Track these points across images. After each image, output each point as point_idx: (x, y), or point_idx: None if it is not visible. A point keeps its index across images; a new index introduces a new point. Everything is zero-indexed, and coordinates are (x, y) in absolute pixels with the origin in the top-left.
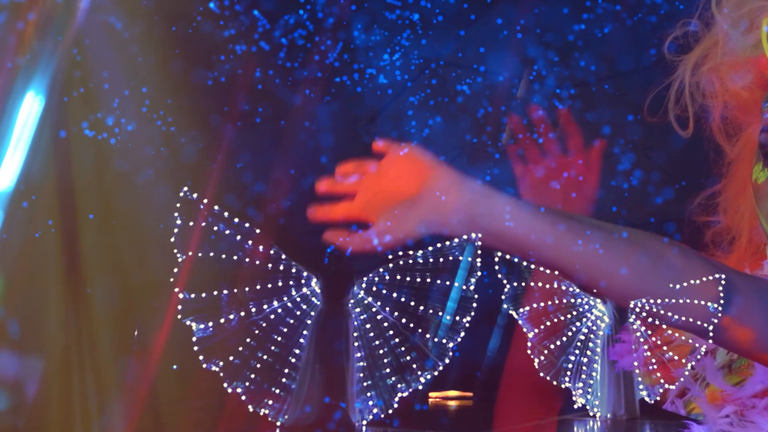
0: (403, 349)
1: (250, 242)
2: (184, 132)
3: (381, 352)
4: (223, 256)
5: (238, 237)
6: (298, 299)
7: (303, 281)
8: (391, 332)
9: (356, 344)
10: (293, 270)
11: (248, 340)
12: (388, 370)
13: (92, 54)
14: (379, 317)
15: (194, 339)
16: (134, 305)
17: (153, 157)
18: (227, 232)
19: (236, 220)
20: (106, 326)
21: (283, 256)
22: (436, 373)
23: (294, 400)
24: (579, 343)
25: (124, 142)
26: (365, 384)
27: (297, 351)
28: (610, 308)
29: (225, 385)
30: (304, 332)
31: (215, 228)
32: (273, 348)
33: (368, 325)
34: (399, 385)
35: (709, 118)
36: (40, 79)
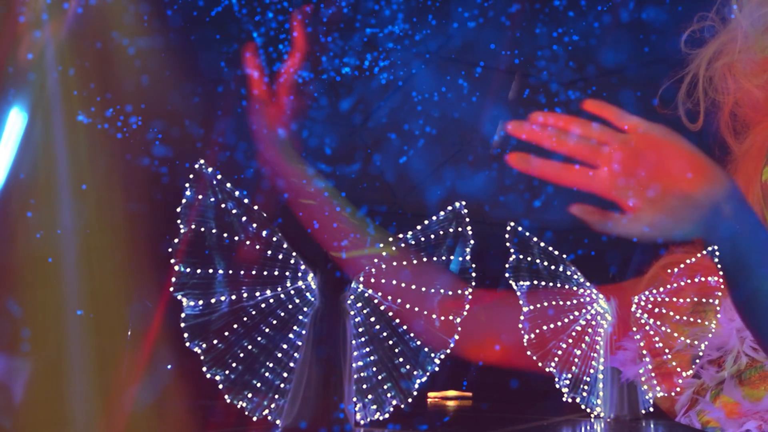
0: (411, 335)
1: (254, 225)
2: (189, 130)
3: (390, 342)
4: (225, 234)
5: (244, 218)
6: (292, 292)
7: (300, 274)
8: (397, 320)
9: (362, 339)
10: (291, 261)
11: (235, 326)
12: (401, 359)
13: (85, 53)
14: (382, 308)
15: (183, 320)
16: (128, 305)
17: (154, 155)
18: (234, 211)
19: (246, 201)
20: (100, 325)
21: (285, 245)
22: (436, 365)
23: (290, 402)
24: (574, 333)
25: (126, 139)
26: (379, 378)
27: (285, 346)
28: (613, 306)
29: (204, 369)
30: (295, 328)
31: (223, 206)
32: (259, 339)
33: (372, 318)
34: (415, 372)
35: (718, 114)
36: (31, 82)
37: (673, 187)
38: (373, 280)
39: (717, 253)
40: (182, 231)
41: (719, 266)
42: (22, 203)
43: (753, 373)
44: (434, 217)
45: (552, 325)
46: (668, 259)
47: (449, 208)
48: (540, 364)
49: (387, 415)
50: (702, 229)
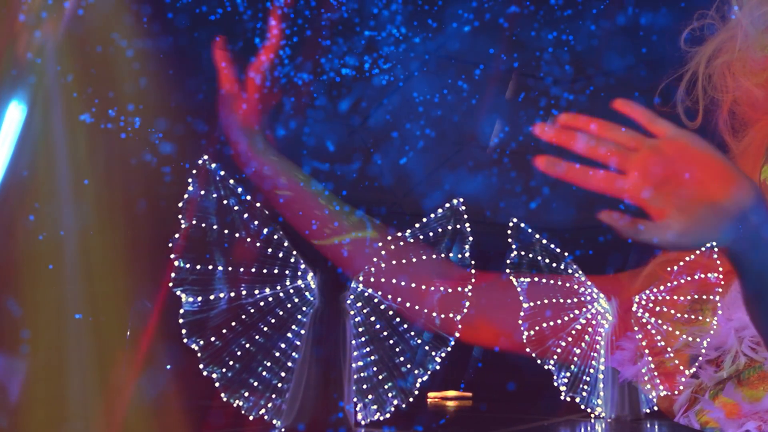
0: (412, 333)
1: (256, 222)
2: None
3: (391, 342)
4: (226, 231)
5: (246, 215)
6: (291, 291)
7: (299, 273)
8: (398, 319)
9: (363, 339)
10: (291, 259)
11: (233, 323)
12: (402, 359)
13: (86, 53)
14: (382, 307)
15: (181, 316)
16: (127, 304)
17: (150, 159)
18: (236, 207)
19: (248, 197)
20: (98, 326)
21: (285, 243)
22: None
23: (289, 403)
24: (573, 332)
25: (129, 138)
26: (380, 378)
27: (283, 345)
28: (614, 305)
29: (201, 366)
30: (293, 327)
31: (225, 202)
32: (257, 337)
33: (373, 318)
34: (416, 371)
35: (717, 112)
36: (26, 81)
37: (701, 195)
38: (368, 273)
39: (735, 256)
40: (183, 226)
41: (736, 270)
42: (23, 203)
43: (752, 373)
44: (432, 215)
45: (551, 323)
46: (665, 256)
47: (447, 205)
48: (539, 361)
49: (388, 415)
50: (728, 237)
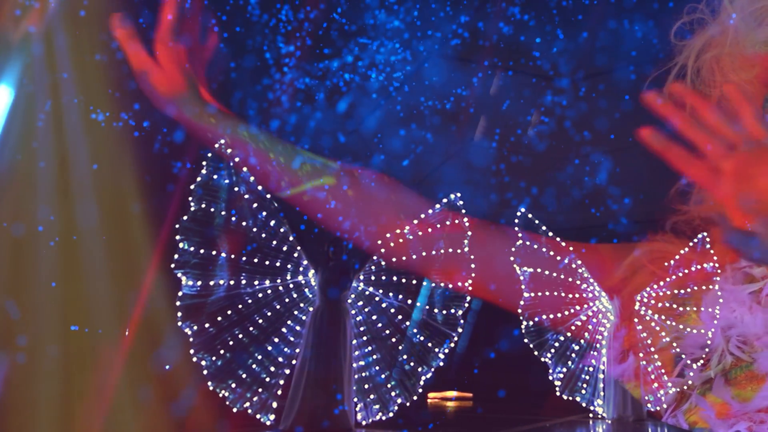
0: (414, 330)
1: (264, 213)
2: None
3: (394, 340)
4: (234, 218)
5: (255, 204)
6: (291, 285)
7: (300, 268)
8: (400, 317)
9: (364, 338)
10: (295, 254)
11: (229, 312)
12: (405, 356)
13: (66, 44)
14: (384, 305)
15: (179, 299)
16: (122, 307)
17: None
18: (246, 196)
19: (260, 188)
20: (92, 325)
21: (291, 238)
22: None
23: (288, 404)
24: (573, 327)
25: (141, 136)
26: (383, 376)
27: (276, 340)
28: (617, 304)
29: (191, 352)
30: (288, 322)
31: (236, 189)
32: (251, 328)
33: (374, 317)
34: (419, 369)
35: None
36: (11, 69)
37: None
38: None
39: None
40: (193, 209)
41: None
42: (27, 202)
43: (739, 372)
44: (430, 211)
45: (551, 315)
46: (649, 246)
47: (444, 200)
48: (536, 353)
49: (391, 414)
50: None
